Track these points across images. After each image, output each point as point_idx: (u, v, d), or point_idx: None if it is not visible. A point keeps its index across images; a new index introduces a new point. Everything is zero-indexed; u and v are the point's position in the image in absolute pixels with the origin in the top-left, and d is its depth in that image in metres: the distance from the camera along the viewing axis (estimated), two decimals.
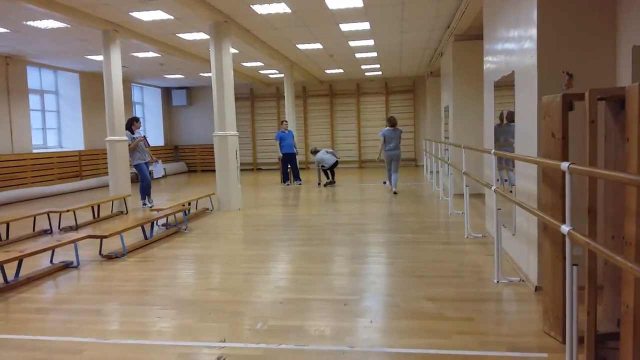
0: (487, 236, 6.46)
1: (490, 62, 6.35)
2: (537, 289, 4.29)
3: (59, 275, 5.42)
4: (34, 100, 14.27)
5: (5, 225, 7.35)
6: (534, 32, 4.29)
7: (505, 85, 5.42)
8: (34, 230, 7.92)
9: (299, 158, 14.54)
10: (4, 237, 7.28)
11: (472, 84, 10.20)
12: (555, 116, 3.14)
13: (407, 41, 12.18)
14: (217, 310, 4.15)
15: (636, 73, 3.75)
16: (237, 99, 9.86)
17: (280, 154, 13.77)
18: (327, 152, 13.60)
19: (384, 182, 13.37)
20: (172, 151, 21.17)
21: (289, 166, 14.01)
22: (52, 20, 9.17)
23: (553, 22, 4.19)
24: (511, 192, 5.14)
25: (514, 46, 5.03)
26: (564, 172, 2.69)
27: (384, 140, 11.18)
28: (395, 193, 11.19)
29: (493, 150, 4.68)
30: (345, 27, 10.40)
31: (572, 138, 3.16)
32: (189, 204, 8.87)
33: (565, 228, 2.65)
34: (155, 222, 7.35)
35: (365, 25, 10.32)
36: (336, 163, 13.44)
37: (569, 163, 2.61)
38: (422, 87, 19.31)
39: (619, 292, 3.00)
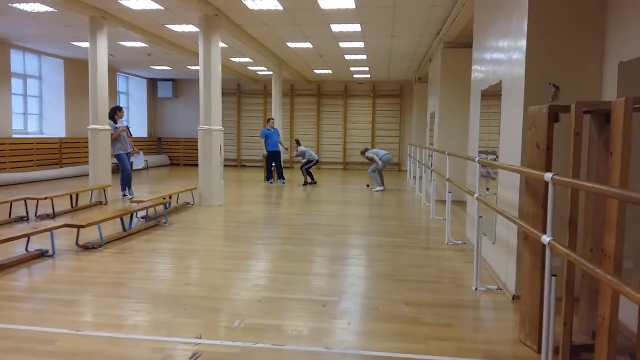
0: (467, 243, 6.51)
1: (479, 71, 6.39)
2: (514, 297, 4.32)
3: (33, 263, 5.32)
4: (16, 84, 14.00)
5: None
6: (523, 43, 4.32)
7: (492, 94, 5.46)
8: (9, 216, 7.76)
9: (283, 157, 14.51)
10: None
11: (458, 92, 10.27)
12: (541, 127, 3.17)
13: (397, 45, 12.23)
14: (194, 305, 4.10)
15: (621, 88, 3.81)
16: (224, 94, 9.81)
17: (265, 152, 13.71)
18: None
19: (367, 185, 13.44)
20: (155, 143, 20.95)
21: (273, 164, 13.96)
22: (38, 4, 9.00)
23: (542, 34, 4.24)
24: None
25: (503, 56, 5.07)
26: (547, 183, 2.71)
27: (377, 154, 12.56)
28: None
29: (477, 158, 4.71)
30: (336, 27, 10.40)
31: (556, 149, 3.19)
32: (170, 197, 8.78)
33: (546, 238, 2.67)
34: (134, 214, 7.26)
35: (356, 27, 10.34)
36: (317, 161, 13.94)
37: (552, 174, 2.63)
38: (409, 92, 19.41)
39: (595, 305, 3.04)
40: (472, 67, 6.79)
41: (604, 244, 2.63)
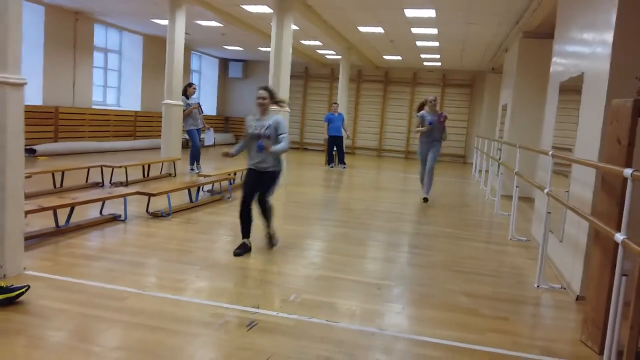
0: (532, 240, 6.29)
1: (558, 63, 6.11)
2: (578, 298, 4.15)
3: (106, 226, 5.64)
4: (97, 57, 14.74)
5: (60, 173, 7.68)
6: (610, 36, 4.09)
7: (572, 87, 5.22)
8: (86, 181, 8.24)
9: (345, 142, 14.50)
10: (58, 185, 7.61)
11: (534, 84, 9.86)
12: (624, 121, 3.01)
13: (472, 33, 11.86)
14: (253, 277, 4.23)
15: None
16: (291, 76, 9.89)
17: (327, 136, 13.77)
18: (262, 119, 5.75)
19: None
20: (223, 122, 21.51)
21: (335, 149, 13.99)
22: None
23: (631, 27, 3.98)
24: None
25: (586, 49, 4.82)
26: (625, 179, 2.58)
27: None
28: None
29: (551, 152, 4.53)
30: (410, 12, 10.21)
31: (638, 145, 3.02)
32: (235, 174, 9.01)
33: (619, 236, 2.55)
34: (201, 187, 7.52)
35: (431, 13, 10.10)
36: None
37: (632, 170, 2.50)
38: (480, 83, 18.81)
39: None
40: (552, 59, 6.50)
41: None
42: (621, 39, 4.01)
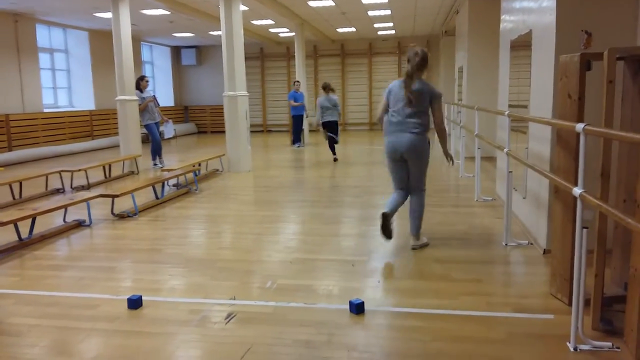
0: (497, 199, 6.44)
1: (508, 21, 6.17)
2: (545, 252, 4.28)
3: (72, 233, 5.51)
4: (43, 59, 14.19)
5: (18, 184, 7.44)
6: None
7: (522, 44, 5.28)
8: (46, 189, 8.00)
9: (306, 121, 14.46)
10: (17, 195, 7.37)
11: (487, 44, 9.95)
12: (573, 76, 3.06)
13: None
14: (228, 268, 4.21)
15: None
16: (247, 58, 9.71)
17: (301, 114, 13.64)
18: (330, 99, 10.49)
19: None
20: (182, 112, 21.10)
21: (302, 128, 13.93)
22: None
23: None
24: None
25: (533, 4, 4.87)
26: (578, 134, 2.64)
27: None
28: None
29: (507, 112, 4.60)
30: None
31: (589, 99, 3.08)
32: (199, 164, 8.89)
33: (577, 190, 2.61)
34: (166, 182, 7.39)
35: None
36: (336, 125, 10.53)
37: (584, 124, 2.56)
38: (435, 47, 18.91)
39: (628, 257, 2.99)
40: (501, 17, 6.56)
41: (637, 194, 2.57)
42: None
